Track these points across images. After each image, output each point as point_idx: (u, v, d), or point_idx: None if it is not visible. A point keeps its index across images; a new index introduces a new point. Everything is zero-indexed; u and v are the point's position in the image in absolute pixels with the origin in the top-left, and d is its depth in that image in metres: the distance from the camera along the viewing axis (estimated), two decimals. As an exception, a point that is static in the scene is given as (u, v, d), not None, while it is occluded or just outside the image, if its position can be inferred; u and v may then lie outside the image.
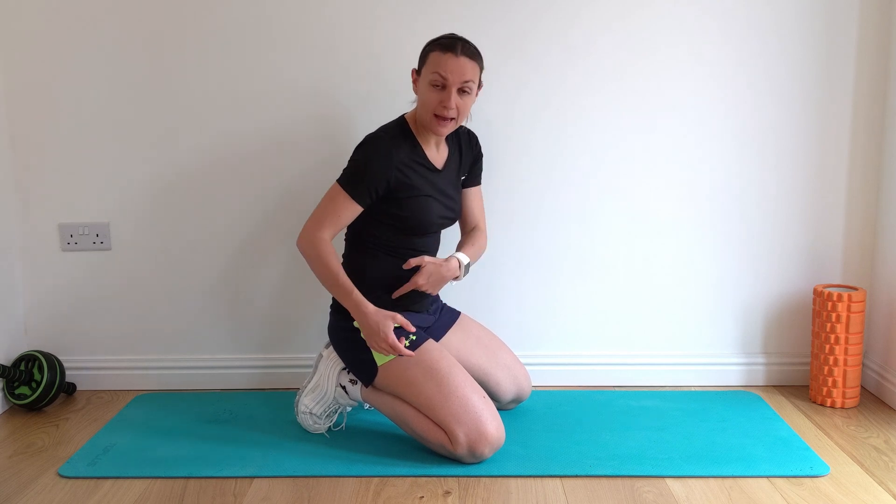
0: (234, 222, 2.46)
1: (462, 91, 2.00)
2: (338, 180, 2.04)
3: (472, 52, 2.01)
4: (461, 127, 2.22)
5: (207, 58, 2.37)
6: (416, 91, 2.08)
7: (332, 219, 2.03)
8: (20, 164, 2.43)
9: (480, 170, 2.29)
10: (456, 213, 2.20)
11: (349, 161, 2.06)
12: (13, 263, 2.46)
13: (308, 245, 2.04)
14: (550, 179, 2.44)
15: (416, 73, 2.07)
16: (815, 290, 2.38)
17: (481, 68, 2.05)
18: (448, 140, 2.18)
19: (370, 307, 2.01)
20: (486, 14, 2.35)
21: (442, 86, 1.99)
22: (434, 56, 2.00)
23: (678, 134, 2.42)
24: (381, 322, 1.99)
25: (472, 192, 2.28)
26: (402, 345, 2.01)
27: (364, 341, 2.07)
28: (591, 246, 2.48)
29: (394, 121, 2.12)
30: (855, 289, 2.37)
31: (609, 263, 2.49)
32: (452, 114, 2.00)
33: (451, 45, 1.99)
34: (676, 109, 2.41)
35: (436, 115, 2.01)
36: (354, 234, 2.15)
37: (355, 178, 2.02)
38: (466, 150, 2.23)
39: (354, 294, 2.01)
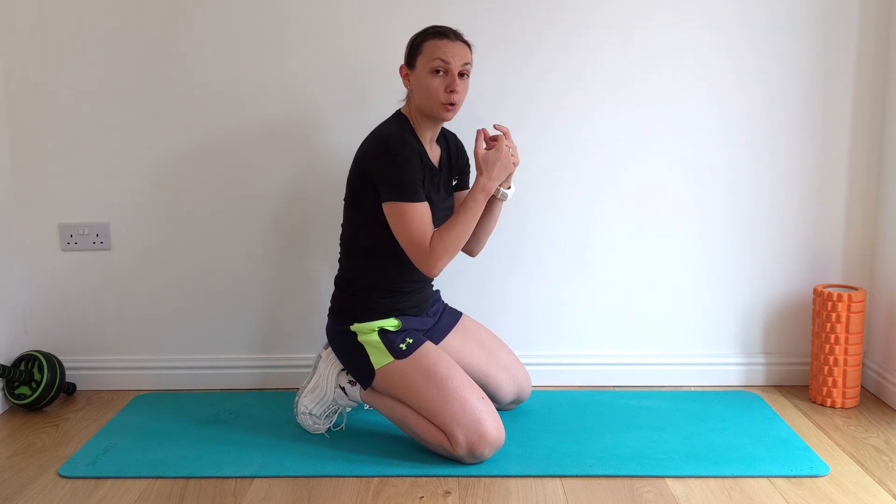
0: (235, 222, 2.46)
1: (462, 74, 2.01)
2: (392, 198, 1.96)
3: (464, 37, 2.04)
4: (445, 129, 2.21)
5: (208, 58, 2.37)
6: (408, 86, 2.06)
7: (425, 228, 1.97)
8: (20, 164, 2.43)
9: (469, 174, 2.28)
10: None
11: (385, 174, 1.97)
12: (13, 263, 2.46)
13: (437, 257, 1.98)
14: (552, 181, 2.44)
15: (408, 66, 2.05)
16: (815, 290, 2.38)
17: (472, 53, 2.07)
18: (438, 139, 2.16)
19: (474, 185, 2.01)
20: (488, 13, 2.35)
21: (445, 71, 1.99)
22: (431, 44, 1.99)
23: (679, 134, 2.42)
24: (486, 169, 2.00)
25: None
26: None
27: (361, 345, 2.07)
28: (591, 246, 2.48)
29: (391, 118, 2.09)
30: (855, 289, 2.37)
31: (609, 263, 2.49)
32: (458, 98, 2.00)
33: (444, 31, 2.01)
34: (677, 110, 2.41)
35: (442, 102, 2.00)
36: (348, 240, 2.12)
37: (406, 183, 1.95)
38: (456, 153, 2.22)
39: (467, 202, 2.00)
